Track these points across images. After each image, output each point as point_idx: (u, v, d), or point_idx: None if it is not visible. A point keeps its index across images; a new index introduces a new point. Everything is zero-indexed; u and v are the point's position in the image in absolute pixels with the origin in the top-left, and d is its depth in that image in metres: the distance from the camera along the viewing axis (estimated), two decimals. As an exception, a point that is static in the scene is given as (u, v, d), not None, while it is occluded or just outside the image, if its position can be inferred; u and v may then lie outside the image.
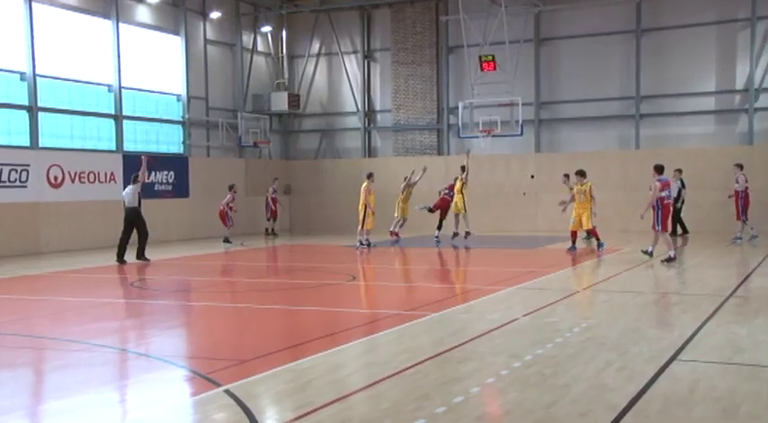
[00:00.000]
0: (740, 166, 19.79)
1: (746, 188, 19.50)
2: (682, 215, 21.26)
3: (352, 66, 28.54)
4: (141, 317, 10.45)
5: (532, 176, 25.45)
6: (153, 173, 23.24)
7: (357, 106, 28.42)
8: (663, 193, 14.97)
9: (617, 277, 13.26)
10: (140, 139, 23.50)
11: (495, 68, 23.53)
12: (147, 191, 22.93)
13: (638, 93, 24.46)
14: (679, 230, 21.40)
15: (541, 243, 20.04)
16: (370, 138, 28.63)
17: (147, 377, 6.83)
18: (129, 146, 22.89)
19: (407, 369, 6.56)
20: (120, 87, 22.50)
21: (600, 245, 17.36)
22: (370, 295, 12.60)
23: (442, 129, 27.19)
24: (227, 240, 21.70)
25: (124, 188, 17.56)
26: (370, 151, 28.53)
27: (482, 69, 23.70)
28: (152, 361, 7.34)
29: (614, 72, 24.97)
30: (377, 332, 8.49)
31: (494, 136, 23.82)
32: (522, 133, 23.74)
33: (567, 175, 20.63)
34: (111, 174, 21.80)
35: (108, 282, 13.89)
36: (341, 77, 28.78)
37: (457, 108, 25.21)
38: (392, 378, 6.29)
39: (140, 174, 16.55)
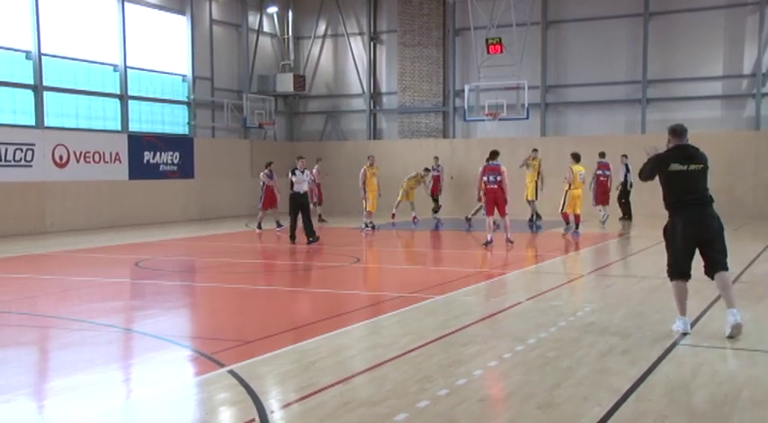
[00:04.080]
0: (601, 154, 20.54)
1: (598, 175, 20.08)
2: (628, 200, 21.76)
3: (358, 47, 28.42)
4: (146, 297, 10.47)
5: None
6: (158, 153, 23.28)
7: (363, 88, 28.33)
8: (484, 178, 15.41)
9: (621, 262, 13.25)
10: (145, 120, 23.49)
11: (501, 51, 23.40)
12: (152, 171, 23.04)
13: (644, 77, 24.31)
14: (620, 214, 21.79)
15: (546, 227, 20.00)
16: (375, 120, 28.56)
17: (151, 356, 6.85)
18: (134, 126, 22.88)
19: (411, 351, 6.58)
20: (126, 67, 22.45)
21: (566, 229, 17.76)
22: (374, 278, 12.59)
23: (447, 111, 27.09)
24: (321, 219, 22.13)
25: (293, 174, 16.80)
26: (375, 133, 28.46)
27: (489, 52, 23.57)
28: (156, 340, 7.35)
29: (621, 56, 24.81)
30: (381, 314, 8.50)
31: (500, 119, 23.75)
32: (528, 117, 23.68)
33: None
34: (117, 154, 21.81)
35: (113, 262, 13.92)
36: (347, 59, 28.66)
37: (463, 91, 25.13)
38: (396, 360, 6.31)
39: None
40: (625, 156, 21.73)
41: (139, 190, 22.48)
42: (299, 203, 16.46)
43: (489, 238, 15.23)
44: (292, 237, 16.56)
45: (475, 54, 24.41)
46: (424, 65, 27.03)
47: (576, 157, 18.08)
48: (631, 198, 21.86)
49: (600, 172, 20.20)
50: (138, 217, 22.28)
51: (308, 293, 10.71)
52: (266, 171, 20.16)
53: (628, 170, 21.50)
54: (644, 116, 24.41)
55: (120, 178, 21.97)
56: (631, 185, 21.46)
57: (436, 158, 23.61)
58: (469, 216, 20.40)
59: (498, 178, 15.27)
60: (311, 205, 22.26)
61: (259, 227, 19.85)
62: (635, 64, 24.57)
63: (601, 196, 20.22)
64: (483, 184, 15.39)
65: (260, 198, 20.26)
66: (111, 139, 21.82)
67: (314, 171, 21.71)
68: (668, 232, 7.26)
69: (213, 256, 14.79)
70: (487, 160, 15.63)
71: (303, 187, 16.55)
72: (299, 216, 16.48)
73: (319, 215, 22.68)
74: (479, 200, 16.04)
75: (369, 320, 8.23)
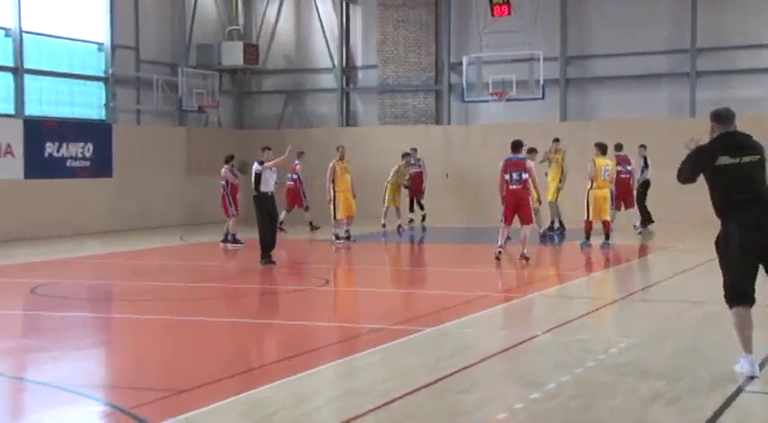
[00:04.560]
0: (617, 147, 20.58)
1: (618, 172, 20.10)
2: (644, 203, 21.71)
3: (326, 9, 28.42)
4: (44, 334, 10.30)
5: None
6: (65, 144, 23.04)
7: (333, 61, 28.34)
8: (506, 176, 15.24)
9: (666, 282, 13.25)
10: (47, 100, 23.31)
11: (509, 13, 23.51)
12: (58, 169, 22.81)
13: (693, 44, 24.46)
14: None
15: (568, 237, 20.01)
16: (348, 101, 28.59)
17: (51, 414, 6.74)
18: (32, 108, 22.67)
19: (394, 400, 6.55)
20: (21, 31, 22.22)
21: (582, 244, 17.78)
22: (348, 305, 12.60)
23: (441, 90, 27.15)
24: (313, 226, 22.14)
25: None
26: (348, 118, 28.48)
27: (493, 14, 23.69)
28: (57, 392, 7.25)
29: (663, 18, 24.97)
30: (355, 352, 8.54)
31: (508, 100, 23.78)
32: (543, 96, 23.77)
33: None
34: (8, 145, 21.55)
35: (1, 287, 13.76)
36: (312, 24, 28.67)
37: (461, 64, 25.18)
38: (375, 412, 6.28)
39: (281, 159, 16.38)
40: (643, 146, 21.63)
41: (39, 192, 22.21)
42: (268, 209, 15.83)
43: (499, 248, 15.15)
44: (265, 254, 15.59)
45: (476, 17, 24.46)
46: (410, 31, 27.06)
47: (602, 148, 18.12)
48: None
49: (620, 167, 20.23)
50: (36, 228, 22.00)
51: (261, 326, 10.66)
52: (229, 166, 19.62)
53: (646, 165, 21.47)
54: (693, 94, 24.54)
55: (13, 177, 21.70)
56: (649, 185, 21.48)
57: (414, 150, 23.15)
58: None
59: (523, 176, 15.14)
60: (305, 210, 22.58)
61: (235, 240, 19.16)
62: (680, 28, 24.71)
63: (621, 197, 20.31)
64: (504, 184, 15.30)
65: (228, 202, 19.52)
66: (1, 126, 21.60)
67: (297, 167, 21.62)
68: (721, 244, 7.24)
69: (137, 279, 14.69)
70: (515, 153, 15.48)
71: (270, 187, 15.99)
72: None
73: (280, 223, 21.46)
74: (502, 202, 15.79)
75: (340, 360, 8.24)
